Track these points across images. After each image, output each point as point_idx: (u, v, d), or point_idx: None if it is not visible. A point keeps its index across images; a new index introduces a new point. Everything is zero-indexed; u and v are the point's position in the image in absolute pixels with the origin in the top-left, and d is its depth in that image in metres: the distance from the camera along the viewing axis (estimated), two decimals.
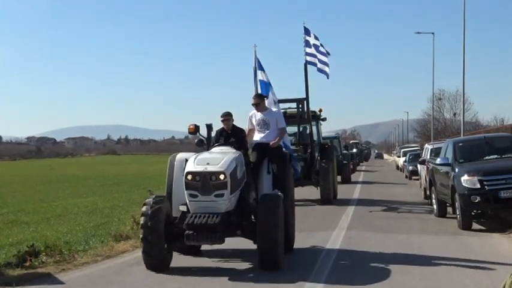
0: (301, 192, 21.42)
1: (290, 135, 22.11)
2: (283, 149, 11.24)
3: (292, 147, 19.63)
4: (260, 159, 10.64)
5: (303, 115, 20.56)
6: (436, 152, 19.92)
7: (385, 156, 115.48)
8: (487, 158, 14.70)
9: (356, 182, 33.24)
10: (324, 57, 21.00)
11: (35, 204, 22.42)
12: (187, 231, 8.97)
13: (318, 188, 20.97)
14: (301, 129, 21.71)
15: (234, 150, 9.93)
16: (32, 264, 9.72)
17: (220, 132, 10.68)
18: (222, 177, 9.06)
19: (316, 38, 21.16)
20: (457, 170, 14.07)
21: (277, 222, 8.95)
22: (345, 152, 38.94)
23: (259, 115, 11.06)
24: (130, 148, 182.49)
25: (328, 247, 11.46)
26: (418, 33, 53.03)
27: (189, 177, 9.16)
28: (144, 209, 9.20)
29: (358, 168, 54.14)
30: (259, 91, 16.41)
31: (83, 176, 46.22)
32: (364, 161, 76.29)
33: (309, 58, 20.94)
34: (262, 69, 15.94)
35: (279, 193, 9.64)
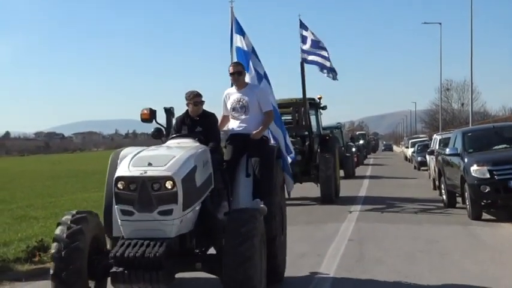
0: (299, 190, 19.04)
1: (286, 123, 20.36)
2: (270, 142, 8.55)
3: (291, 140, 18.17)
4: (236, 157, 7.74)
5: (300, 121, 18.47)
6: (444, 143, 19.84)
7: (395, 148, 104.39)
8: (496, 147, 14.62)
9: (363, 177, 30.47)
10: (325, 52, 18.79)
11: (43, 199, 22.43)
12: (113, 269, 5.98)
13: (318, 184, 18.60)
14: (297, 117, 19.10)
15: (197, 145, 6.99)
16: (41, 259, 9.74)
17: (183, 118, 7.75)
18: (169, 184, 5.96)
19: (313, 35, 18.99)
20: (466, 160, 14.00)
21: (251, 255, 6.03)
22: (350, 143, 36.07)
23: (235, 94, 8.08)
24: (138, 142, 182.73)
25: (337, 239, 11.42)
26: (426, 23, 53.04)
27: (120, 185, 6.08)
28: (57, 231, 6.26)
29: (366, 161, 51.61)
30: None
31: (91, 170, 46.26)
32: (371, 152, 76.02)
33: (305, 56, 18.65)
34: (241, 33, 11.19)
35: (261, 205, 7.22)
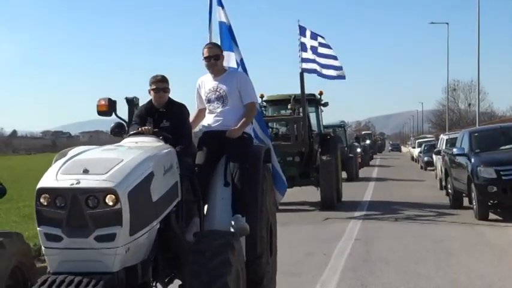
0: (298, 194, 18.86)
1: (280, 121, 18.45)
2: (254, 141, 7.03)
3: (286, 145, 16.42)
4: (212, 160, 6.24)
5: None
6: (451, 143, 19.81)
7: (403, 149, 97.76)
8: (503, 147, 14.59)
9: (368, 179, 28.73)
10: (326, 59, 17.27)
11: None
12: None
13: (318, 188, 16.97)
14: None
15: (159, 144, 5.48)
16: None
17: (146, 110, 6.08)
18: (110, 199, 4.38)
19: (313, 36, 17.42)
20: (473, 160, 13.98)
21: None
22: (354, 143, 34.69)
23: (210, 83, 6.58)
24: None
25: (344, 238, 11.42)
26: (432, 23, 52.97)
27: (44, 199, 4.46)
28: None
29: (372, 162, 49.99)
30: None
31: None
32: (378, 152, 75.76)
33: (305, 65, 17.03)
34: (220, 3, 9.01)
35: (242, 223, 5.83)
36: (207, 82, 6.64)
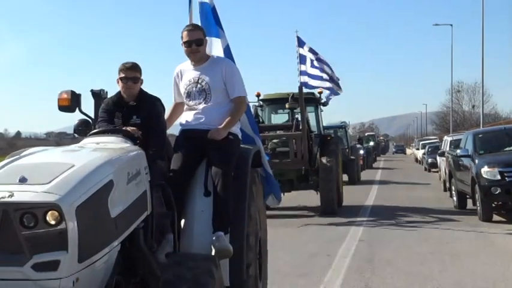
0: (296, 198, 18.18)
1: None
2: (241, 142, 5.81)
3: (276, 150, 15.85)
4: (190, 165, 5.33)
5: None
6: (455, 144, 19.81)
7: (407, 151, 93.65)
8: (507, 149, 14.59)
9: (371, 182, 27.54)
10: (322, 73, 16.92)
11: None
12: None
13: (318, 192, 15.96)
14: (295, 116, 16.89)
15: (125, 146, 4.54)
16: None
17: (114, 104, 5.19)
18: (52, 217, 3.40)
19: (311, 51, 17.02)
20: (477, 161, 13.98)
21: None
22: (357, 145, 33.52)
23: (191, 73, 5.58)
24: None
25: (348, 239, 11.43)
26: (436, 25, 52.90)
27: None
28: None
29: (375, 164, 48.86)
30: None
31: None
32: (381, 154, 75.53)
33: (304, 78, 16.62)
34: None
35: (224, 244, 4.92)
36: (187, 72, 5.60)
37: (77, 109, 5.60)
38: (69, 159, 3.88)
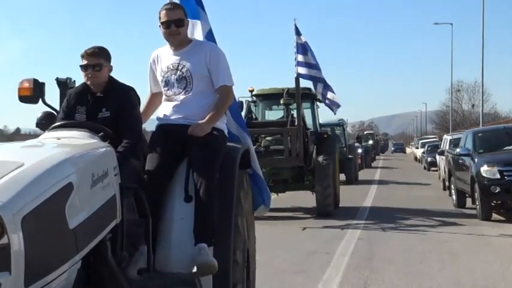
0: (291, 199, 17.57)
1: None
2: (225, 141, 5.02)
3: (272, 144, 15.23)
4: (168, 166, 4.63)
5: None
6: (455, 143, 19.80)
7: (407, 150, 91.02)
8: (506, 148, 14.58)
9: (370, 182, 26.67)
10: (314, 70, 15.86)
11: None
12: None
13: (314, 193, 15.09)
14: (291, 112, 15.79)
15: (92, 142, 3.99)
16: None
17: (80, 94, 4.62)
18: None
19: (306, 44, 15.92)
20: (476, 160, 13.97)
21: None
22: (355, 144, 32.81)
23: (170, 58, 4.87)
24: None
25: (347, 237, 11.41)
26: (437, 24, 53.00)
27: None
28: None
29: (374, 163, 48.23)
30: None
31: None
32: (380, 153, 75.43)
33: (301, 69, 15.53)
34: None
35: (207, 258, 4.27)
36: (165, 57, 4.89)
37: (40, 100, 4.97)
38: (19, 157, 3.17)
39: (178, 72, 4.78)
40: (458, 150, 15.66)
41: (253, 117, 16.59)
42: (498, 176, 13.16)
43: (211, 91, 4.82)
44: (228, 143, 4.95)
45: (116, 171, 3.83)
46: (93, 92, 4.56)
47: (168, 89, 4.84)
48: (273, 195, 17.60)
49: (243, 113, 15.06)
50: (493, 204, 13.73)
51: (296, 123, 14.57)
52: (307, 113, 17.13)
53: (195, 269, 4.20)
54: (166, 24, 4.76)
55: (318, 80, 16.08)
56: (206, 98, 4.79)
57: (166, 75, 4.84)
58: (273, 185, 14.99)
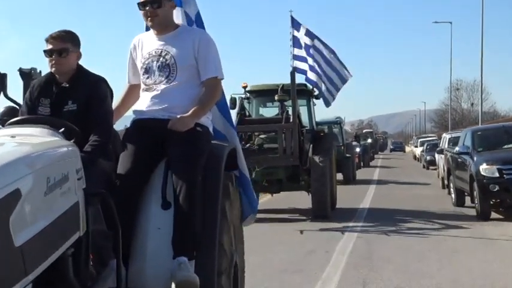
0: (285, 199, 17.03)
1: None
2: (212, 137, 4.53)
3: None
4: (143, 167, 4.10)
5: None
6: (454, 142, 19.79)
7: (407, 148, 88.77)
8: (505, 146, 14.59)
9: (369, 182, 25.87)
10: (315, 64, 14.90)
11: None
12: None
13: (310, 194, 14.36)
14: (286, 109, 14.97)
15: (53, 140, 3.35)
16: None
17: (43, 85, 4.11)
18: None
19: (308, 34, 15.06)
20: (475, 158, 13.97)
21: None
22: (354, 142, 32.21)
23: (153, 43, 4.38)
24: None
25: (346, 236, 11.40)
26: (436, 22, 53.09)
27: None
28: None
29: (373, 163, 47.31)
30: None
31: None
32: (379, 151, 75.30)
33: (297, 63, 14.75)
34: None
35: (188, 274, 3.76)
36: (148, 42, 4.37)
37: (2, 93, 4.55)
38: None
39: (161, 59, 4.27)
40: (457, 148, 15.66)
41: (247, 114, 15.95)
42: (497, 175, 13.15)
43: (196, 82, 4.32)
44: (213, 141, 4.42)
45: (80, 175, 3.20)
46: (59, 82, 4.01)
47: (147, 77, 4.29)
48: (268, 196, 17.30)
49: (235, 110, 14.97)
50: (492, 202, 13.71)
51: (291, 120, 13.98)
52: (303, 110, 16.48)
53: (173, 287, 3.70)
54: (142, 4, 4.29)
55: (316, 74, 15.15)
56: (191, 90, 4.28)
57: (147, 62, 4.31)
58: (267, 185, 14.77)
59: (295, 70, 14.54)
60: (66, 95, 3.97)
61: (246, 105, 16.31)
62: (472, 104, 74.60)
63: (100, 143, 3.83)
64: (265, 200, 17.34)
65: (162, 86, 4.24)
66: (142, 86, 4.35)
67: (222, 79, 4.49)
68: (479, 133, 15.70)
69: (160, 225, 3.92)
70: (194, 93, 4.30)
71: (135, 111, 4.42)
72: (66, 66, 3.99)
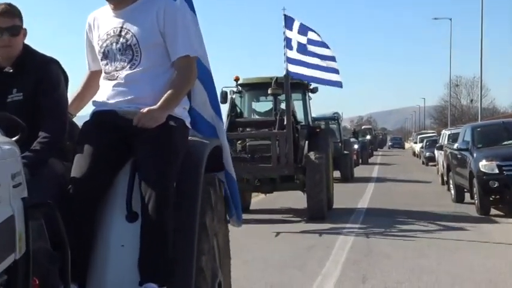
0: (279, 199, 16.27)
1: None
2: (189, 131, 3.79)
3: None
4: (104, 171, 3.33)
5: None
6: (453, 138, 19.80)
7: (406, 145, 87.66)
8: (505, 143, 14.60)
9: (368, 180, 25.06)
10: (317, 59, 13.75)
11: None
12: None
13: (305, 193, 13.29)
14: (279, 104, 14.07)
15: None
16: None
17: None
18: None
19: (302, 30, 13.89)
20: (475, 155, 13.99)
21: None
22: (352, 139, 31.11)
23: (110, 20, 3.61)
24: None
25: (345, 232, 11.42)
26: (436, 19, 53.12)
27: None
28: None
29: (372, 159, 46.46)
30: None
31: None
32: (378, 148, 75.14)
33: (291, 67, 13.34)
34: None
35: None
36: (104, 20, 3.62)
37: None
38: None
39: (121, 39, 3.51)
40: (456, 145, 15.68)
41: (238, 112, 14.70)
42: (497, 171, 13.17)
43: (167, 65, 3.56)
44: (192, 137, 3.70)
45: (18, 181, 2.45)
46: (1, 68, 3.36)
47: (107, 63, 3.55)
48: (261, 196, 16.73)
49: (225, 111, 13.95)
50: (491, 199, 13.74)
51: (286, 122, 12.92)
52: (298, 105, 15.65)
53: None
54: None
55: (310, 78, 14.17)
56: (160, 75, 3.53)
57: (105, 45, 3.56)
58: (259, 185, 13.88)
59: (288, 74, 13.35)
60: (10, 82, 3.33)
61: (238, 100, 15.26)
62: (472, 100, 74.60)
63: (51, 139, 3.18)
64: (257, 200, 16.50)
65: (125, 73, 3.48)
66: (103, 74, 3.61)
67: (196, 57, 3.70)
68: (478, 129, 15.71)
69: (124, 242, 3.17)
70: (164, 78, 3.53)
71: (94, 102, 3.65)
72: (14, 49, 3.34)
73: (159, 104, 3.39)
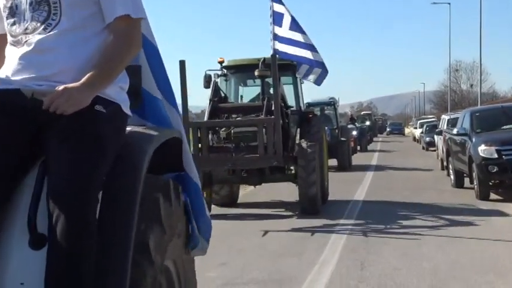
0: (268, 191, 14.74)
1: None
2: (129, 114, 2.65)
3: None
4: (2, 171, 2.29)
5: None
6: (453, 123, 19.74)
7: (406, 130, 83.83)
8: (504, 127, 14.54)
9: (366, 168, 23.45)
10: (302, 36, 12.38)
11: None
12: None
13: (297, 185, 12.03)
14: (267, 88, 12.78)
15: None
16: None
17: None
18: None
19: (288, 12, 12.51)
20: (474, 139, 13.93)
21: None
22: (349, 125, 29.74)
23: None
24: None
25: (343, 220, 11.37)
26: (435, 3, 52.77)
27: None
28: None
29: (372, 146, 44.44)
30: None
31: None
32: (378, 134, 74.77)
33: (279, 46, 12.29)
34: None
35: None
36: None
37: None
38: None
39: None
40: (455, 130, 15.61)
41: (222, 96, 13.13)
42: (496, 156, 13.12)
43: (98, 28, 2.58)
44: (132, 126, 2.73)
45: None
46: None
47: (14, 23, 2.55)
48: (249, 188, 15.32)
49: (208, 95, 12.65)
50: (490, 183, 13.71)
51: (274, 109, 11.58)
52: (288, 89, 14.11)
53: None
54: None
55: (301, 59, 12.76)
56: (88, 41, 2.56)
57: None
58: (247, 176, 12.66)
59: (275, 53, 12.15)
60: None
61: (223, 84, 13.90)
62: (471, 85, 74.51)
63: None
64: (246, 192, 15.59)
65: (37, 37, 2.49)
66: (9, 38, 2.60)
67: (141, 19, 2.67)
68: (477, 114, 15.62)
69: (25, 277, 2.23)
70: (93, 46, 2.55)
71: None
72: None
73: (82, 80, 2.39)
